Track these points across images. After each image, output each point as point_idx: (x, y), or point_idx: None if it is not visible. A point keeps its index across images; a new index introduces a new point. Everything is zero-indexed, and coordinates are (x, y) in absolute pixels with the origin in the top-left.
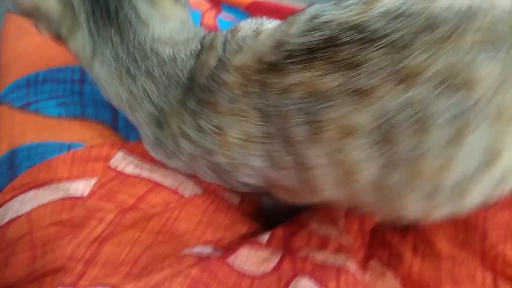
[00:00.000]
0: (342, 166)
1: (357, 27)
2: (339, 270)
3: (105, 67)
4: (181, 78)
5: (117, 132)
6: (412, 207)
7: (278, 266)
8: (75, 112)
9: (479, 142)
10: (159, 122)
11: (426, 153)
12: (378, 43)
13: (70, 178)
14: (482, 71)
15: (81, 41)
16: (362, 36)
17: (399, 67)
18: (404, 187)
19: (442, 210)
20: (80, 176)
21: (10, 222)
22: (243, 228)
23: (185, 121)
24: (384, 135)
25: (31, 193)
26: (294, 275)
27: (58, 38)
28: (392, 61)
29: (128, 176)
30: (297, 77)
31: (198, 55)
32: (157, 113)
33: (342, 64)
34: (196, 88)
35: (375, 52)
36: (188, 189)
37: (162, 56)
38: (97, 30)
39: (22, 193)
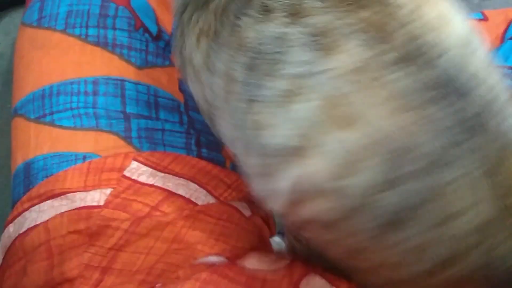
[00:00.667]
0: None
1: None
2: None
3: None
4: None
5: (130, 143)
6: None
7: (290, 264)
8: (90, 123)
9: None
10: None
11: None
12: None
13: (86, 188)
14: None
15: None
16: None
17: None
18: None
19: None
20: (96, 186)
21: (28, 231)
22: (254, 239)
23: None
24: None
25: (48, 203)
26: (306, 273)
27: None
28: None
29: (142, 185)
30: None
31: None
32: None
33: None
34: None
35: None
36: (201, 198)
37: None
38: None
39: (39, 203)
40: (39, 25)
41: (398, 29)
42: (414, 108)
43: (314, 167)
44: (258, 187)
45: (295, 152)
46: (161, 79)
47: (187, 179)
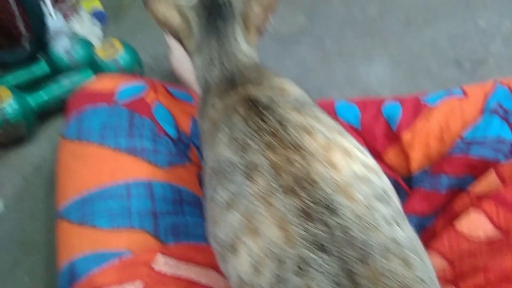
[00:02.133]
0: None
1: None
2: None
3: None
4: None
5: (158, 238)
6: None
7: None
8: (124, 223)
9: None
10: None
11: None
12: None
13: (121, 282)
14: None
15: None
16: None
17: None
18: None
19: None
20: (129, 280)
21: None
22: None
23: None
24: None
25: None
26: None
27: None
28: None
29: (169, 277)
30: None
31: None
32: None
33: None
34: None
35: None
36: (221, 285)
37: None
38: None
39: None
40: (78, 139)
41: (288, 171)
42: (291, 226)
43: (240, 264)
44: (222, 268)
45: (231, 247)
46: (183, 176)
47: (208, 267)
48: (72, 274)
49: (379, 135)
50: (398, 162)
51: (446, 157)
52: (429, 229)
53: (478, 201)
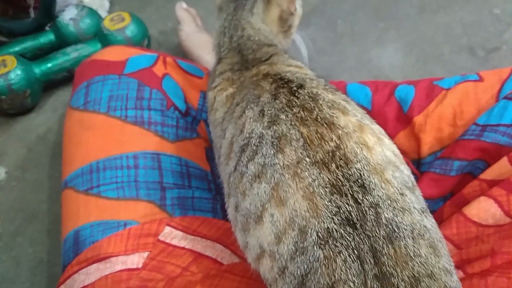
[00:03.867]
0: None
1: None
2: None
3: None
4: None
5: (164, 209)
6: None
7: None
8: (131, 194)
9: None
10: None
11: None
12: None
13: (127, 252)
14: None
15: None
16: None
17: None
18: None
19: None
20: (135, 250)
21: None
22: None
23: None
24: None
25: (94, 266)
26: None
27: None
28: None
29: (174, 248)
30: None
31: None
32: None
33: None
34: None
35: None
36: (226, 258)
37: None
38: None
39: (86, 266)
40: (85, 108)
41: (321, 146)
42: (318, 199)
43: (263, 233)
44: (240, 239)
45: (256, 217)
46: (190, 150)
47: (214, 240)
48: (77, 243)
49: (390, 118)
50: (409, 145)
51: (459, 141)
52: (436, 212)
53: (489, 188)
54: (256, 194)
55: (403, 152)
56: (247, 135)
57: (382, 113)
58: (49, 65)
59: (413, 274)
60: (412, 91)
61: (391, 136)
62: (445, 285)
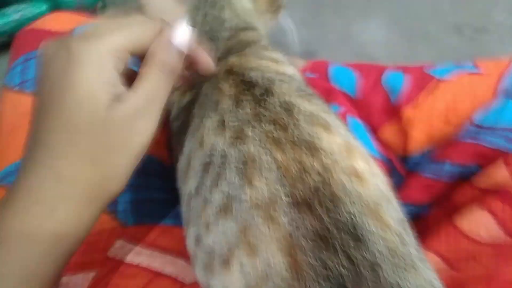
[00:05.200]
0: None
1: None
2: None
3: None
4: None
5: (115, 217)
6: None
7: None
8: None
9: None
10: None
11: None
12: None
13: (68, 272)
14: None
15: None
16: None
17: None
18: None
19: None
20: (79, 269)
21: None
22: None
23: None
24: None
25: None
26: None
27: None
28: None
29: (127, 266)
30: None
31: None
32: None
33: None
34: None
35: None
36: (188, 276)
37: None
38: None
39: None
40: (21, 89)
41: (301, 178)
42: (300, 255)
43: (232, 281)
44: (200, 278)
45: (222, 261)
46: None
47: (175, 255)
48: None
49: (376, 108)
50: (395, 140)
51: (453, 142)
52: (422, 219)
53: (482, 196)
54: (222, 232)
55: (388, 146)
56: (208, 151)
57: (367, 101)
58: None
59: None
60: (401, 79)
61: (376, 129)
62: None
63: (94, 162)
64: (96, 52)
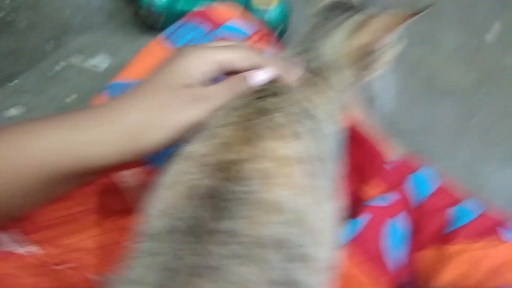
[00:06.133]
0: None
1: None
2: None
3: None
4: None
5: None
6: None
7: None
8: None
9: None
10: None
11: None
12: None
13: None
14: None
15: None
16: None
17: None
18: None
19: None
20: None
21: None
22: None
23: None
24: None
25: None
26: None
27: None
28: None
29: None
30: None
31: None
32: None
33: None
34: None
35: None
36: None
37: None
38: None
39: None
40: (166, 39)
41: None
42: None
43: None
44: None
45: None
46: None
47: None
48: None
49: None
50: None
51: None
52: None
53: None
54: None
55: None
56: None
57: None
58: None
59: None
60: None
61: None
62: None
63: (150, 117)
64: (203, 56)
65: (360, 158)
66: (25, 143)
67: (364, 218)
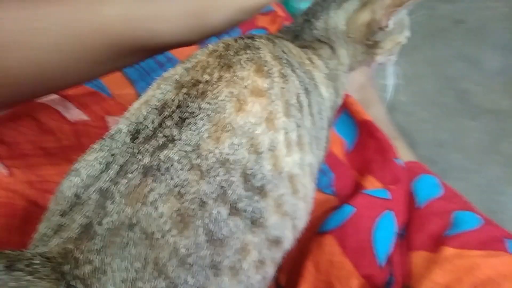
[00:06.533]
0: None
1: None
2: None
3: None
4: None
5: None
6: None
7: None
8: None
9: None
10: None
11: None
12: None
13: None
14: None
15: None
16: None
17: None
18: None
19: None
20: None
21: None
22: None
23: None
24: None
25: None
26: None
27: None
28: None
29: None
30: None
31: None
32: None
33: None
34: None
35: None
36: None
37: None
38: None
39: None
40: None
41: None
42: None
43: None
44: None
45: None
46: None
47: None
48: None
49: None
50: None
51: None
52: None
53: None
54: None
55: None
56: None
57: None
58: None
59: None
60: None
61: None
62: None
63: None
64: None
65: (371, 149)
66: (86, 9)
67: (357, 206)
